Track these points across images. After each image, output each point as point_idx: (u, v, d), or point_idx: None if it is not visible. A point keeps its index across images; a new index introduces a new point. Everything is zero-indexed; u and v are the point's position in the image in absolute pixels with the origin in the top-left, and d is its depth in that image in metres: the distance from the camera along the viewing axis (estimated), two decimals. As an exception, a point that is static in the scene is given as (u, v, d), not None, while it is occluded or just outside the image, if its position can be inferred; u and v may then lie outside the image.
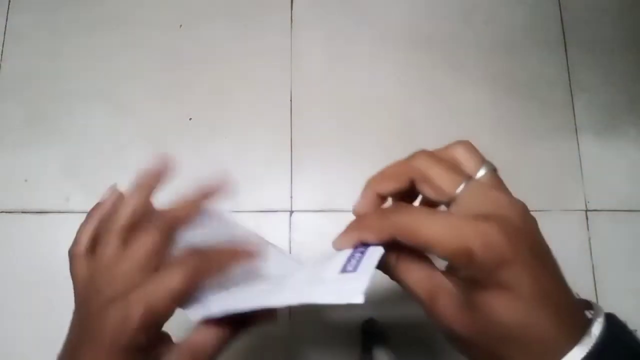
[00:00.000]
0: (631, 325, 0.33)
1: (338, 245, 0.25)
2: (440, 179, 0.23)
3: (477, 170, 0.24)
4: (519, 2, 0.60)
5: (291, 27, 0.57)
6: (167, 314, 0.23)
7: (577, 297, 0.23)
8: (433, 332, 0.49)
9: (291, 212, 0.52)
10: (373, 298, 0.50)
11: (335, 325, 0.49)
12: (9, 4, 0.57)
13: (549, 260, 0.23)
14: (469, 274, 0.22)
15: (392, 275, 0.25)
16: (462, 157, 0.25)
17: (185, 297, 0.23)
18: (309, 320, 0.49)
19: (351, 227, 0.25)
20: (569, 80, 0.57)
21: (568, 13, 0.59)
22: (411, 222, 0.22)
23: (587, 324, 0.22)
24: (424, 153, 0.24)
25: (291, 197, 0.52)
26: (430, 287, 0.24)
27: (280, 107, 0.55)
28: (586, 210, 0.53)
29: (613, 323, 0.23)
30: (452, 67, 0.57)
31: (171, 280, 0.23)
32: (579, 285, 0.52)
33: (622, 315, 0.37)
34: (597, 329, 0.22)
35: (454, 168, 0.24)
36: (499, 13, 0.59)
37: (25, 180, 0.52)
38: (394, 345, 0.43)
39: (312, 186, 0.53)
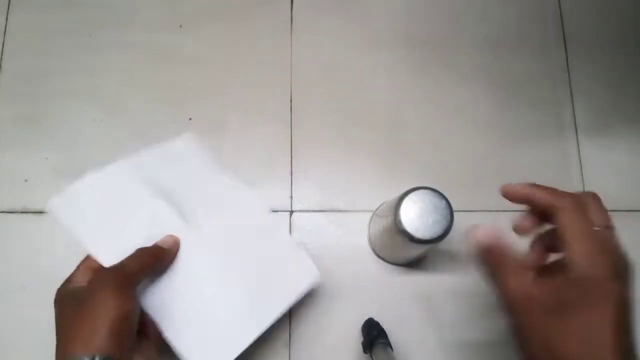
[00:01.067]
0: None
1: (506, 189, 0.34)
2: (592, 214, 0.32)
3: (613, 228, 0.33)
4: (519, 2, 0.60)
5: (291, 27, 0.57)
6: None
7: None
8: (433, 333, 0.49)
9: (291, 212, 0.52)
10: (373, 298, 0.50)
11: (335, 325, 0.49)
12: (8, 4, 0.57)
13: (630, 320, 0.28)
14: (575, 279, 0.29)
15: (490, 270, 0.31)
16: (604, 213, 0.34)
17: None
18: (309, 320, 0.49)
19: (531, 185, 0.33)
20: (569, 80, 0.57)
21: (568, 13, 0.59)
22: (574, 215, 0.31)
23: None
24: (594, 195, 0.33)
25: (291, 197, 0.52)
26: (527, 295, 0.29)
27: (280, 106, 0.55)
28: (586, 210, 0.53)
29: None
30: (450, 67, 0.57)
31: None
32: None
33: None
34: None
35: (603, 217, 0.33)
36: (498, 13, 0.59)
37: (26, 180, 0.52)
38: (394, 345, 0.43)
39: (312, 186, 0.53)
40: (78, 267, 0.41)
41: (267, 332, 0.48)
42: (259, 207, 0.47)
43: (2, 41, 0.56)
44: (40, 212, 0.51)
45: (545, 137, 0.55)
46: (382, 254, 0.50)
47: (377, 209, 0.50)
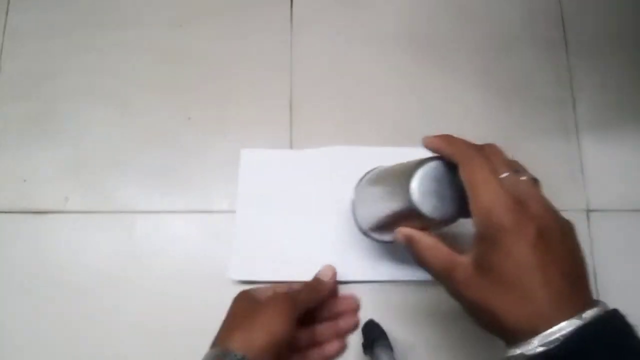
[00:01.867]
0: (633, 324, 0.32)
1: (425, 141, 0.35)
2: (497, 166, 0.32)
3: (524, 174, 0.34)
4: (520, 1, 0.60)
5: (291, 26, 0.57)
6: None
7: (594, 298, 0.29)
8: (433, 333, 0.49)
9: (291, 212, 0.52)
10: (373, 299, 0.50)
11: (335, 325, 0.48)
12: (8, 4, 0.57)
13: (562, 251, 0.29)
14: (483, 234, 0.30)
15: (418, 256, 0.34)
16: (513, 163, 0.34)
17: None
18: (309, 320, 0.49)
19: (442, 138, 0.35)
20: (570, 80, 0.57)
21: (569, 13, 0.59)
22: (477, 174, 0.31)
23: (584, 309, 0.27)
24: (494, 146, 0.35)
25: (291, 197, 0.52)
26: (448, 263, 0.32)
27: (280, 106, 0.55)
28: (587, 210, 0.53)
29: (612, 315, 0.28)
30: (452, 66, 0.57)
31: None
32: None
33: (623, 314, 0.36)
34: (590, 314, 0.27)
35: (508, 164, 0.33)
36: (499, 12, 0.59)
37: (25, 180, 0.52)
38: (394, 346, 0.43)
39: (312, 186, 0.53)
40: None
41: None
42: None
43: (1, 41, 0.56)
44: (41, 212, 0.51)
45: (547, 136, 0.55)
46: (371, 230, 0.46)
47: (367, 174, 0.46)
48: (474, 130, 0.55)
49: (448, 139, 0.35)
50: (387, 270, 0.50)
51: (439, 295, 0.50)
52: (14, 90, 0.55)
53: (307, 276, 0.47)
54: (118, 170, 0.52)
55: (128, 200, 0.52)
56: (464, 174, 0.32)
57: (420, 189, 0.34)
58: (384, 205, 0.39)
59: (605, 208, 0.53)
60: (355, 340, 0.47)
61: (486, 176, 0.31)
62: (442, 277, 0.33)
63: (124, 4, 0.57)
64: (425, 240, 0.34)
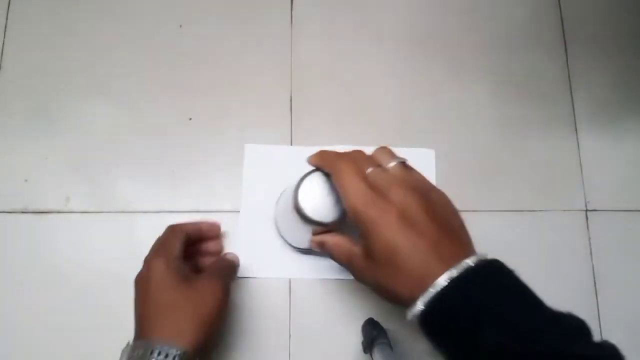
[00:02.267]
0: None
1: (310, 159, 0.41)
2: (362, 165, 0.37)
3: (389, 162, 0.37)
4: (519, 1, 0.60)
5: (291, 27, 0.57)
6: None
7: (480, 254, 0.32)
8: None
9: (291, 211, 0.52)
10: (373, 298, 0.50)
11: (335, 325, 0.49)
12: (9, 3, 0.57)
13: (425, 222, 0.33)
14: (359, 228, 0.35)
15: (329, 253, 0.41)
16: (381, 155, 0.38)
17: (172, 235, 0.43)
18: (309, 320, 0.49)
19: (317, 154, 0.41)
20: (569, 79, 0.57)
21: (568, 11, 0.59)
22: (343, 178, 0.36)
23: (456, 264, 0.31)
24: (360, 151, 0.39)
25: (291, 197, 0.52)
26: (348, 255, 0.38)
27: (280, 106, 0.55)
28: (586, 210, 0.53)
29: (491, 262, 0.32)
30: (451, 65, 0.57)
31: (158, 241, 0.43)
32: (579, 284, 0.52)
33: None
34: (468, 262, 0.31)
35: (373, 161, 0.38)
36: (498, 11, 0.59)
37: (25, 180, 0.52)
38: (394, 345, 0.43)
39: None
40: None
41: (267, 331, 0.48)
42: None
43: (2, 40, 0.56)
44: (41, 212, 0.51)
45: (546, 134, 0.55)
46: (289, 239, 0.49)
47: (281, 193, 0.49)
48: (473, 129, 0.55)
49: (321, 154, 0.41)
50: None
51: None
52: (15, 89, 0.55)
53: (313, 273, 0.49)
54: (119, 170, 0.52)
55: (129, 200, 0.52)
56: (334, 181, 0.37)
57: (304, 197, 0.40)
58: (289, 218, 0.44)
59: (605, 208, 0.53)
60: (355, 339, 0.48)
61: (350, 178, 0.36)
62: (346, 267, 0.39)
63: (124, 4, 0.57)
64: (331, 239, 0.41)
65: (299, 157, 0.52)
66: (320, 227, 0.41)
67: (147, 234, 0.51)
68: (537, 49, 0.58)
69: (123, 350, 0.37)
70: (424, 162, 0.53)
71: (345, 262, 0.39)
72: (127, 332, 0.48)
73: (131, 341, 0.37)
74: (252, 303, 0.49)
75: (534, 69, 0.57)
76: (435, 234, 0.33)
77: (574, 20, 0.59)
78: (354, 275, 0.38)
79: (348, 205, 0.36)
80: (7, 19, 0.57)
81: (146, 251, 0.50)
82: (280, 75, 0.56)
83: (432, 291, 0.31)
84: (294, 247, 0.50)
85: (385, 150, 0.39)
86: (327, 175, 0.40)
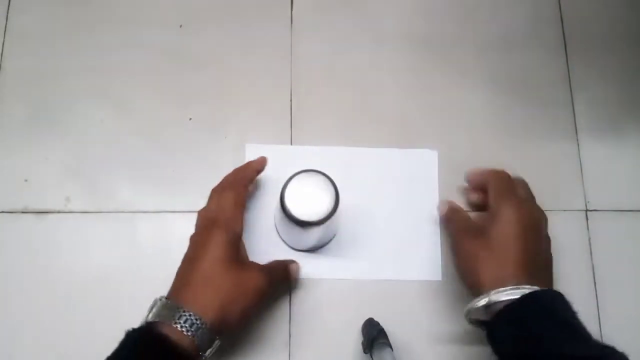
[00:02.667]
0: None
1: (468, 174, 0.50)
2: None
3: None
4: (519, 2, 0.60)
5: (291, 27, 0.57)
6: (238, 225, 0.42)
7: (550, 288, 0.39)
8: (433, 333, 0.49)
9: (291, 211, 0.52)
10: (373, 298, 0.50)
11: (335, 325, 0.49)
12: (9, 3, 0.57)
13: (537, 244, 0.42)
14: (491, 210, 0.43)
15: (452, 216, 0.47)
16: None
17: (240, 201, 0.43)
18: (309, 320, 0.49)
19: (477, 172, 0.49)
20: (569, 80, 0.57)
21: (568, 13, 0.59)
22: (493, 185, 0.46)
23: (538, 285, 0.37)
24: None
25: (291, 197, 0.52)
26: (466, 226, 0.45)
27: (280, 106, 0.55)
28: (586, 210, 0.53)
29: (554, 295, 0.37)
30: (451, 66, 0.57)
31: (228, 200, 0.43)
32: (579, 284, 0.52)
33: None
34: (535, 289, 0.37)
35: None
36: (498, 13, 0.59)
37: (25, 180, 0.52)
38: (394, 345, 0.43)
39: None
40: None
41: (267, 331, 0.48)
42: None
43: (2, 41, 0.56)
44: (42, 212, 0.51)
45: (546, 136, 0.55)
46: (287, 240, 0.50)
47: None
48: (474, 130, 0.55)
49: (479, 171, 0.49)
50: (392, 269, 0.50)
51: (439, 294, 0.50)
52: (15, 90, 0.55)
53: (312, 273, 0.49)
54: (119, 171, 0.52)
55: (129, 200, 0.52)
56: (491, 187, 0.46)
57: (290, 198, 0.41)
58: (283, 220, 0.44)
59: (605, 208, 0.53)
60: (355, 339, 0.48)
61: (502, 189, 0.45)
62: (454, 234, 0.45)
63: (124, 4, 0.58)
64: (460, 208, 0.48)
65: (299, 157, 0.52)
66: (308, 227, 0.42)
67: (147, 234, 0.51)
68: (538, 49, 0.58)
69: (156, 302, 0.38)
70: (427, 163, 0.53)
71: (459, 226, 0.45)
72: (125, 330, 0.48)
73: (159, 297, 0.39)
74: (252, 303, 0.49)
75: (534, 69, 0.57)
76: (537, 258, 0.40)
77: (574, 20, 0.59)
78: (455, 241, 0.44)
79: (496, 187, 0.45)
80: (7, 19, 0.57)
81: (146, 251, 0.50)
82: (280, 75, 0.56)
83: (514, 292, 0.36)
84: (292, 249, 0.50)
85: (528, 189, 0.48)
86: (317, 175, 0.42)
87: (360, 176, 0.52)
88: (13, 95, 0.55)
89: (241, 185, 0.44)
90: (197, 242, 0.41)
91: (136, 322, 0.49)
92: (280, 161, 0.52)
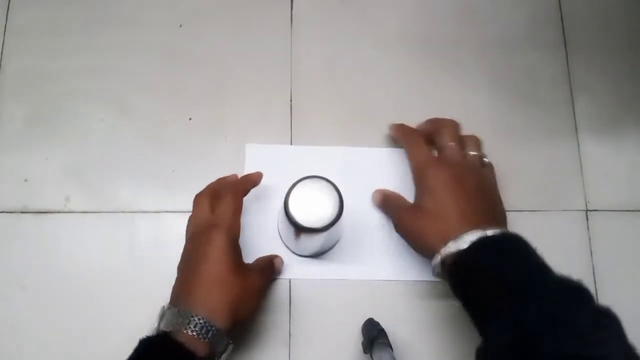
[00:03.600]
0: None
1: (392, 129, 0.52)
2: (444, 136, 0.47)
3: (471, 150, 0.47)
4: (519, 2, 0.60)
5: (291, 27, 0.57)
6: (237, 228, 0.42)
7: (504, 230, 0.40)
8: (433, 333, 0.49)
9: (291, 212, 0.52)
10: (373, 298, 0.50)
11: (335, 325, 0.49)
12: (9, 3, 0.57)
13: (473, 190, 0.42)
14: (416, 183, 0.46)
15: (386, 204, 0.50)
16: (469, 141, 0.48)
17: (239, 209, 0.43)
18: (309, 320, 0.49)
19: (397, 128, 0.52)
20: (569, 80, 0.57)
21: (568, 13, 0.59)
22: (412, 145, 0.49)
23: (487, 228, 0.38)
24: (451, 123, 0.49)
25: (291, 197, 0.52)
26: (399, 204, 0.48)
27: (280, 106, 0.55)
28: (586, 210, 0.53)
29: (514, 237, 0.38)
30: (452, 66, 0.57)
31: (228, 206, 0.42)
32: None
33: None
34: (492, 232, 0.38)
35: (458, 138, 0.48)
36: (498, 13, 0.59)
37: (25, 180, 0.52)
38: (394, 345, 0.43)
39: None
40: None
41: (267, 331, 0.48)
42: None
43: (2, 40, 0.56)
44: (41, 212, 0.51)
45: (546, 136, 0.55)
46: (290, 247, 0.50)
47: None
48: (474, 130, 0.55)
49: (400, 127, 0.51)
50: (395, 269, 0.50)
51: (439, 294, 0.50)
52: (15, 90, 0.55)
53: (314, 274, 0.50)
54: (119, 170, 0.52)
55: (129, 200, 0.52)
56: (407, 150, 0.49)
57: (294, 204, 0.41)
58: (286, 227, 0.45)
59: (605, 208, 0.53)
60: (355, 339, 0.48)
61: (418, 145, 0.48)
62: (393, 215, 0.47)
63: (124, 4, 0.58)
64: (389, 192, 0.50)
65: (299, 157, 0.52)
66: (312, 233, 0.42)
67: (147, 234, 0.51)
68: (538, 49, 0.58)
69: (164, 311, 0.38)
70: None
71: (394, 208, 0.47)
72: (126, 331, 0.48)
73: (167, 305, 0.38)
74: (252, 303, 0.49)
75: (534, 69, 0.57)
76: (479, 200, 0.42)
77: (574, 20, 0.59)
78: (396, 223, 0.47)
79: (412, 164, 0.47)
80: (7, 19, 0.57)
81: (146, 251, 0.50)
82: (280, 75, 0.56)
83: (462, 241, 0.38)
84: (295, 254, 0.50)
85: (475, 139, 0.47)
86: (321, 181, 0.42)
87: (360, 176, 0.52)
88: (13, 95, 0.55)
89: (240, 193, 0.44)
90: (198, 247, 0.40)
91: (136, 321, 0.48)
92: (281, 161, 0.52)
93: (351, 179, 0.50)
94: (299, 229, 0.41)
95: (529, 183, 0.54)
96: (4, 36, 0.56)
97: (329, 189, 0.42)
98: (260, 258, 0.47)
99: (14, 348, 0.48)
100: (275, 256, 0.48)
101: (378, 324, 0.45)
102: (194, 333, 0.35)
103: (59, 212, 0.51)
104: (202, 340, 0.35)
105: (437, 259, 0.39)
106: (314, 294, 0.49)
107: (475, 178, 0.44)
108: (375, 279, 0.50)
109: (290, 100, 0.55)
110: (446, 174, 0.43)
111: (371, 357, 0.42)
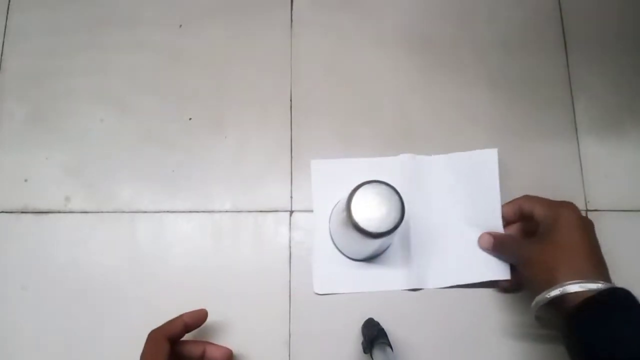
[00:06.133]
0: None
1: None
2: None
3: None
4: (519, 2, 0.60)
5: (291, 27, 0.57)
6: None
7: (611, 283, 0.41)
8: (433, 333, 0.49)
9: (291, 212, 0.52)
10: (373, 298, 0.50)
11: (335, 325, 0.49)
12: (9, 3, 0.57)
13: (593, 238, 0.44)
14: (547, 222, 0.45)
15: (502, 249, 0.49)
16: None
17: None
18: (309, 320, 0.49)
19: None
20: (569, 80, 0.57)
21: (568, 13, 0.59)
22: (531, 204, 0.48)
23: (608, 280, 0.41)
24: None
25: (291, 197, 0.52)
26: (519, 246, 0.47)
27: (280, 106, 0.55)
28: (586, 210, 0.53)
29: (625, 292, 0.39)
30: (452, 67, 0.57)
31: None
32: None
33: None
34: (610, 285, 0.40)
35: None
36: (498, 13, 0.59)
37: (25, 180, 0.52)
38: (394, 345, 0.43)
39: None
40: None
41: (267, 331, 0.48)
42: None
43: (2, 41, 0.56)
44: (41, 212, 0.51)
45: (546, 136, 0.55)
46: (343, 250, 0.50)
47: (334, 206, 0.50)
48: (475, 131, 0.55)
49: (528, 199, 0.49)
50: (457, 273, 0.50)
51: (440, 294, 0.50)
52: (15, 90, 0.55)
53: (386, 286, 0.49)
54: (119, 170, 0.52)
55: (129, 200, 0.52)
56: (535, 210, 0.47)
57: (357, 208, 0.41)
58: (342, 230, 0.45)
59: (605, 208, 0.53)
60: (355, 339, 0.48)
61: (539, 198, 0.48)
62: (518, 252, 0.47)
63: (124, 4, 0.58)
64: (504, 235, 0.49)
65: (365, 169, 0.52)
66: (373, 238, 0.42)
67: (146, 234, 0.51)
68: (538, 50, 0.58)
69: None
70: (487, 163, 0.51)
71: (516, 247, 0.47)
72: (125, 330, 0.48)
73: None
74: (253, 303, 0.49)
75: (534, 69, 0.57)
76: (598, 250, 0.43)
77: (574, 21, 0.59)
78: (519, 261, 0.46)
79: (542, 204, 0.47)
80: (7, 19, 0.57)
81: (146, 251, 0.50)
82: (280, 75, 0.56)
83: (592, 286, 0.39)
84: (348, 257, 0.50)
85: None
86: (381, 186, 0.42)
87: (421, 184, 0.51)
88: (13, 95, 0.55)
89: (162, 338, 0.41)
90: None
91: (135, 320, 0.49)
92: (345, 174, 0.52)
93: (412, 187, 0.50)
94: (364, 234, 0.41)
95: (528, 183, 0.54)
96: (4, 36, 0.56)
97: (390, 193, 0.42)
98: (172, 327, 0.43)
99: (14, 348, 0.48)
100: (185, 314, 0.44)
101: (378, 324, 0.45)
102: None
103: (59, 212, 0.51)
104: None
105: (557, 291, 0.40)
106: (314, 294, 0.49)
107: (594, 230, 0.45)
108: (440, 286, 0.49)
109: (290, 100, 0.55)
110: (578, 216, 0.44)
111: (371, 357, 0.42)
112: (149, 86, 0.55)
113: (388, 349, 0.42)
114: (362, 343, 0.44)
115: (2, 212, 0.51)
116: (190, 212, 0.52)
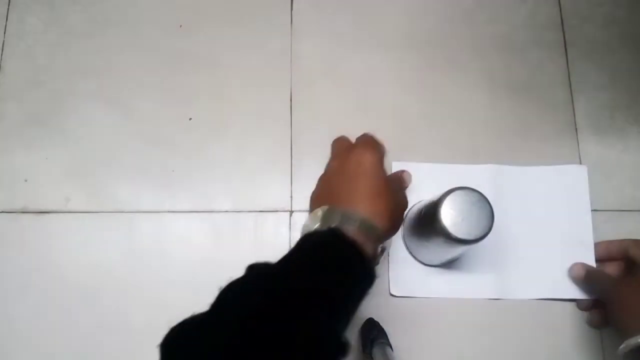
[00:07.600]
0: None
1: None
2: None
3: None
4: (519, 2, 0.60)
5: (291, 27, 0.57)
6: None
7: None
8: (433, 333, 0.49)
9: (291, 212, 0.52)
10: (373, 299, 0.50)
11: (335, 325, 0.48)
12: (9, 3, 0.57)
13: None
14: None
15: (592, 281, 0.49)
16: None
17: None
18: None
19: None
20: (569, 80, 0.57)
21: (568, 13, 0.59)
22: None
23: None
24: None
25: (291, 197, 0.52)
26: (612, 279, 0.48)
27: (280, 106, 0.55)
28: (586, 210, 0.53)
29: None
30: (452, 67, 0.57)
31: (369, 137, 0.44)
32: (580, 285, 0.51)
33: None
34: None
35: None
36: (498, 13, 0.59)
37: (25, 180, 0.52)
38: (393, 345, 0.43)
39: (313, 186, 0.53)
40: None
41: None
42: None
43: (2, 41, 0.56)
44: (42, 212, 0.51)
45: (546, 137, 0.55)
46: (417, 254, 0.50)
47: (409, 209, 0.50)
48: (475, 131, 0.55)
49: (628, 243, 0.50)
50: (537, 288, 0.50)
51: (440, 294, 0.50)
52: (15, 90, 0.55)
53: (470, 294, 0.49)
54: (119, 170, 0.52)
55: (129, 200, 0.52)
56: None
57: (446, 214, 0.41)
58: (425, 236, 0.44)
59: (605, 208, 0.53)
60: (354, 339, 0.48)
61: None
62: (606, 287, 0.47)
63: (124, 4, 0.58)
64: (594, 268, 0.50)
65: (443, 173, 0.52)
66: (461, 245, 0.41)
67: (146, 234, 0.51)
68: (538, 50, 0.58)
69: (324, 212, 0.36)
70: (576, 179, 0.53)
71: (605, 281, 0.48)
72: (125, 330, 0.48)
73: (324, 208, 0.37)
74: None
75: (534, 69, 0.57)
76: None
77: (574, 21, 0.59)
78: (608, 298, 0.46)
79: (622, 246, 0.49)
80: (6, 19, 0.57)
81: (145, 251, 0.50)
82: (280, 75, 0.56)
83: None
84: (420, 262, 0.50)
85: None
86: (472, 193, 0.41)
87: (507, 194, 0.52)
88: (13, 95, 0.55)
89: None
90: (350, 163, 0.40)
91: (135, 320, 0.49)
92: (426, 177, 0.51)
93: (497, 197, 0.49)
94: (453, 240, 0.41)
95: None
96: (4, 36, 0.56)
97: (480, 201, 0.41)
98: (391, 178, 0.46)
99: (14, 348, 0.48)
100: (403, 171, 0.50)
101: (378, 324, 0.45)
102: (362, 231, 0.34)
103: (59, 212, 0.51)
104: (367, 239, 0.34)
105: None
106: (314, 294, 0.49)
107: None
108: (513, 298, 0.49)
109: (290, 100, 0.55)
110: None
111: (371, 357, 0.42)
112: (148, 86, 0.55)
113: (388, 349, 0.42)
114: (362, 343, 0.44)
115: (2, 212, 0.51)
116: (190, 212, 0.52)
